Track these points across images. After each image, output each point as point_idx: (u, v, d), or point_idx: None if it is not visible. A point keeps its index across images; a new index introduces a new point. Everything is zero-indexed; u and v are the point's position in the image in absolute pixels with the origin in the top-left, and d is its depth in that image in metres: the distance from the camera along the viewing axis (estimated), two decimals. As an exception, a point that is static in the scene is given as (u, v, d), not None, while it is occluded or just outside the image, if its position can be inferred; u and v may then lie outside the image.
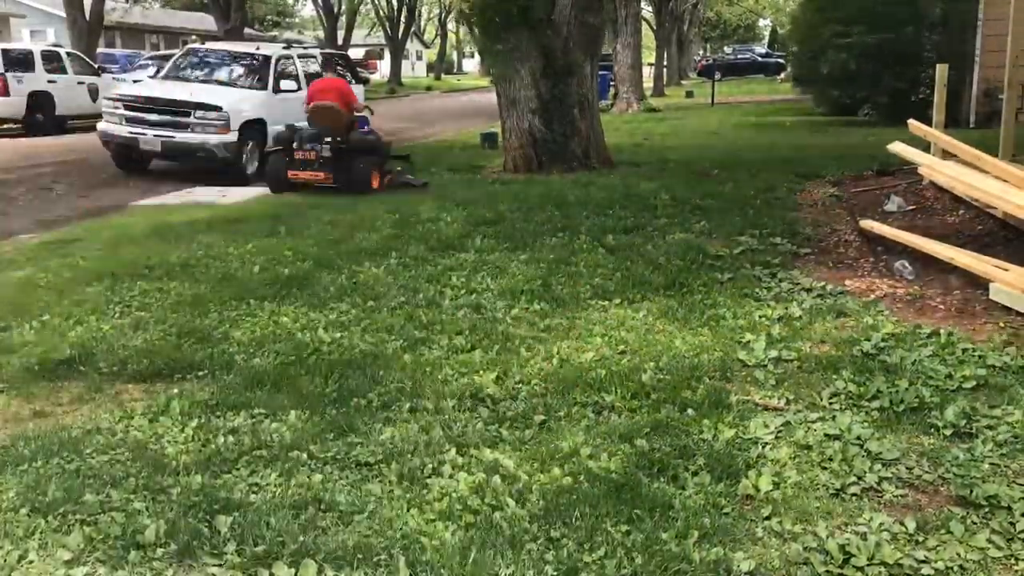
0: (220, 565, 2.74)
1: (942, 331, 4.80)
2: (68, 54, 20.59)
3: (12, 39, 34.09)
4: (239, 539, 2.84)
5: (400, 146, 13.52)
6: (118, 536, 2.88)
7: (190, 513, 2.99)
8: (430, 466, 3.34)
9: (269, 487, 3.19)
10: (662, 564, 2.69)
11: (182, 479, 3.25)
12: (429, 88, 49.02)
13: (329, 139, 10.21)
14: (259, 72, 13.38)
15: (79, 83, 19.92)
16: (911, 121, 8.86)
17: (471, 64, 78.77)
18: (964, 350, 4.50)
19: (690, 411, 3.82)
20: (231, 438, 3.62)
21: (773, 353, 4.52)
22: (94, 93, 19.44)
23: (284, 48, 14.65)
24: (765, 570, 2.69)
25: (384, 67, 56.23)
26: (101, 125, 12.67)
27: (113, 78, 21.31)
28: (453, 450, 3.46)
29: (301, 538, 2.84)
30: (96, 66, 21.62)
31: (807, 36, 18.80)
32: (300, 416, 3.83)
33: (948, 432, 3.59)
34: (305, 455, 3.44)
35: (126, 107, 12.33)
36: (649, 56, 42.26)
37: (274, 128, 12.91)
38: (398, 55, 48.82)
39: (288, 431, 3.67)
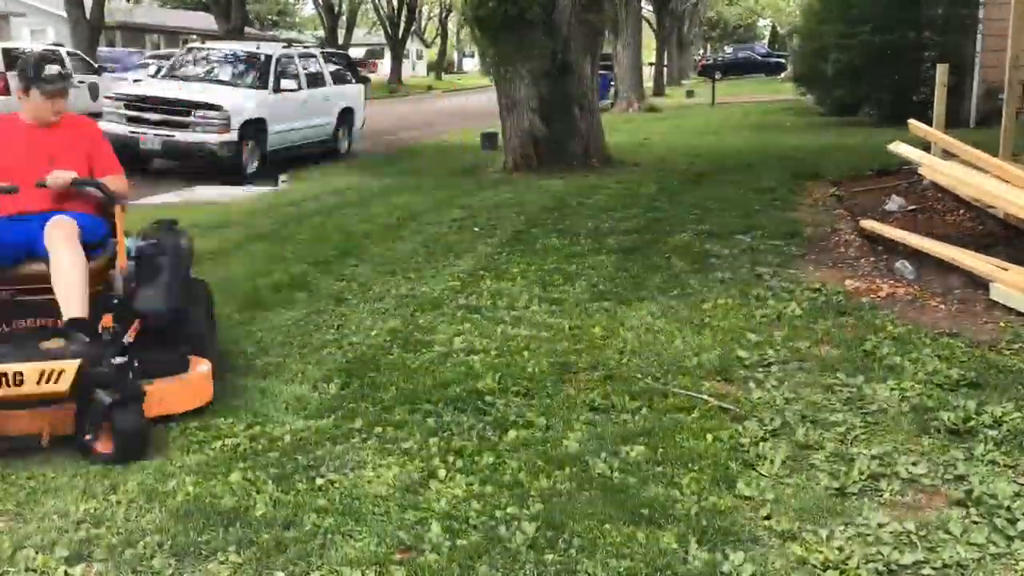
0: (220, 567, 2.74)
1: (942, 331, 4.81)
2: (69, 53, 20.58)
3: (12, 38, 34.06)
4: (238, 543, 2.83)
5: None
6: (118, 536, 2.88)
7: (190, 516, 2.99)
8: (429, 469, 3.33)
9: (269, 491, 3.19)
10: (664, 565, 2.69)
11: (181, 481, 3.25)
12: (430, 88, 48.99)
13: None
14: (260, 71, 13.39)
15: (79, 82, 19.86)
16: (912, 121, 8.85)
17: (472, 63, 78.77)
18: (964, 350, 4.50)
19: (693, 411, 3.82)
20: (231, 441, 3.61)
21: (773, 353, 4.52)
22: (95, 92, 19.42)
23: (285, 47, 14.65)
24: (765, 571, 2.69)
25: (384, 66, 56.21)
26: (101, 124, 12.63)
27: (114, 77, 21.30)
28: (453, 452, 3.46)
29: (298, 544, 2.83)
30: (97, 65, 21.61)
31: (811, 35, 18.81)
32: (302, 417, 3.83)
33: (948, 432, 3.59)
34: (305, 459, 3.43)
35: (127, 106, 12.35)
36: (649, 56, 42.19)
37: (275, 127, 12.93)
38: (398, 55, 48.81)
39: (289, 434, 3.67)
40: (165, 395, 3.66)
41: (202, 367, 3.90)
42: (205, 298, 4.38)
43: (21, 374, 3.28)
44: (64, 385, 3.30)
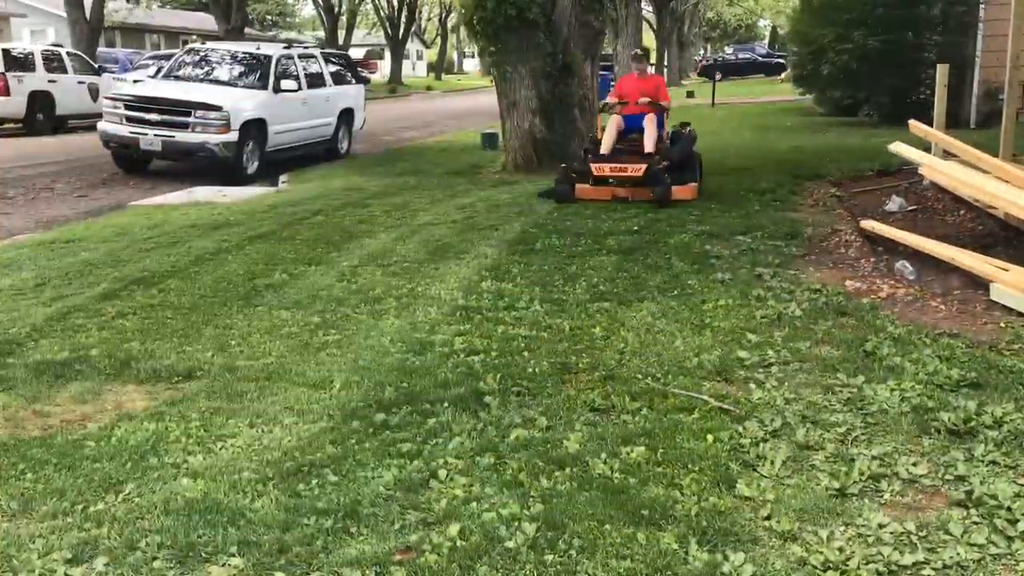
0: (221, 570, 2.73)
1: (943, 331, 4.81)
2: (69, 54, 20.61)
3: (12, 39, 34.07)
4: (240, 544, 2.83)
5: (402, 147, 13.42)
6: (118, 537, 2.88)
7: (192, 517, 2.99)
8: (429, 470, 3.33)
9: (271, 492, 3.19)
10: (664, 566, 2.69)
11: (183, 483, 3.25)
12: (429, 88, 49.05)
13: None
14: (260, 72, 13.40)
15: (79, 83, 19.93)
16: (912, 121, 8.85)
17: (471, 64, 78.81)
18: (964, 350, 4.50)
19: (693, 412, 3.82)
20: (231, 441, 3.61)
21: (773, 353, 4.52)
22: (95, 93, 19.46)
23: (285, 48, 14.66)
24: (765, 571, 2.69)
25: (384, 67, 56.22)
26: (101, 125, 12.67)
27: (114, 78, 21.31)
28: (453, 454, 3.46)
29: (299, 549, 2.83)
30: (96, 66, 21.62)
31: (808, 37, 18.79)
32: (304, 419, 3.83)
33: (948, 432, 3.59)
34: (306, 462, 3.43)
35: (126, 107, 12.35)
36: (650, 56, 42.19)
37: (275, 128, 12.94)
38: (398, 55, 48.85)
39: (289, 437, 3.67)
40: (678, 192, 8.97)
41: (692, 184, 9.23)
42: (698, 156, 9.75)
43: (626, 167, 9.07)
44: (640, 173, 8.96)
